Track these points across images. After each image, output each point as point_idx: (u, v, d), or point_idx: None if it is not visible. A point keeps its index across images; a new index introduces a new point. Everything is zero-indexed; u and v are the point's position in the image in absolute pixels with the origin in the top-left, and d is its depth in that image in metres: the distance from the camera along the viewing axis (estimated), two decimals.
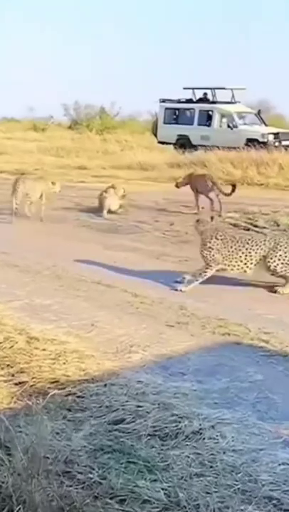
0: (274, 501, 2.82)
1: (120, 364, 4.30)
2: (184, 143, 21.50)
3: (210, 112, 21.54)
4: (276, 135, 19.78)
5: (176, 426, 3.40)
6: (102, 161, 20.08)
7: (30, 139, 28.69)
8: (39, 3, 70.88)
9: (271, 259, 6.14)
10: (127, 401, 3.67)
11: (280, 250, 6.15)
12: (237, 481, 2.93)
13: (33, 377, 3.97)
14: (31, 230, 9.56)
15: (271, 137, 19.55)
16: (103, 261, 7.57)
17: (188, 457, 3.13)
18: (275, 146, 18.37)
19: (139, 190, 13.52)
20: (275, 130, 20.36)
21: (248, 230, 9.12)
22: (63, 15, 68.41)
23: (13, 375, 4.03)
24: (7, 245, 8.20)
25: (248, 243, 6.21)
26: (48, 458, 2.97)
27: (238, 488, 2.87)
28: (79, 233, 9.45)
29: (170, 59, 68.19)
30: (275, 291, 6.19)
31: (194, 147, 20.97)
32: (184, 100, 22.86)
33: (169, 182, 15.60)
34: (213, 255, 6.23)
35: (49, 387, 3.83)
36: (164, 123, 22.81)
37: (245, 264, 6.21)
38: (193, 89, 22.81)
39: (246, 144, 18.62)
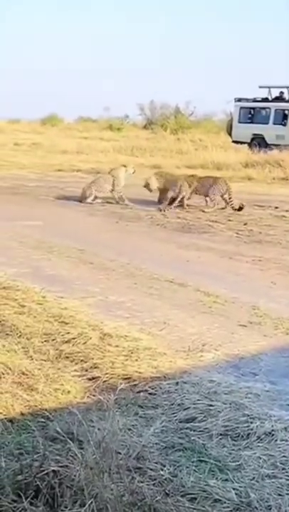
0: None
1: (192, 362, 4.28)
2: (258, 142, 21.23)
3: (286, 111, 21.16)
4: None
5: (248, 426, 3.36)
6: (177, 160, 20.09)
7: (106, 139, 29.04)
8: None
9: None
10: (198, 400, 3.65)
11: None
12: None
13: (105, 373, 4.00)
14: (108, 228, 9.67)
15: None
16: (176, 260, 7.59)
17: (260, 458, 3.09)
18: None
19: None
20: None
21: None
22: (145, 12, 68.60)
23: (86, 371, 4.08)
24: (83, 242, 8.32)
25: None
26: (119, 453, 2.99)
27: None
28: (153, 232, 9.49)
29: (246, 57, 67.41)
30: None
31: (269, 146, 20.66)
32: (259, 99, 22.56)
33: (243, 181, 15.48)
34: None
35: (121, 383, 3.85)
36: (239, 122, 22.60)
37: None
38: (269, 87, 22.47)
39: None
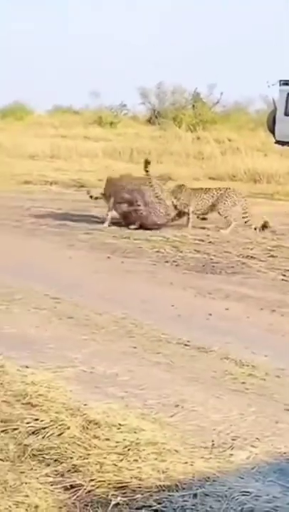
0: None
1: (218, 465, 4.24)
2: None
3: None
4: None
5: None
6: (196, 168, 20.29)
7: (93, 137, 29.37)
8: None
9: None
10: None
11: None
12: None
13: (91, 480, 3.97)
14: (96, 267, 9.69)
15: None
16: (193, 312, 7.58)
17: None
18: None
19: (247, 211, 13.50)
20: None
21: None
22: None
23: (62, 476, 4.05)
24: (59, 288, 8.33)
25: None
26: None
27: None
28: (160, 272, 9.51)
29: None
30: None
31: None
32: None
33: None
34: None
35: (114, 495, 3.82)
36: (286, 114, 22.82)
37: None
38: None
39: None
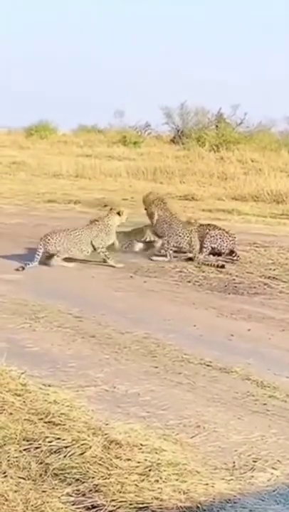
0: None
1: (239, 487, 4.25)
2: None
3: None
4: None
5: None
6: (219, 188, 20.28)
7: (117, 157, 29.44)
8: None
9: None
10: None
11: None
12: None
13: (112, 500, 3.98)
14: (119, 286, 9.71)
15: None
16: (215, 333, 7.58)
17: None
18: None
19: (270, 232, 13.50)
20: None
21: None
22: None
23: (84, 495, 4.06)
24: (82, 306, 8.35)
25: None
26: None
27: None
28: (183, 292, 9.51)
29: None
30: None
31: None
32: None
33: None
34: None
35: None
36: None
37: None
38: None
39: None
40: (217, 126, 35.59)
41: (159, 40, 72.98)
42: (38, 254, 10.63)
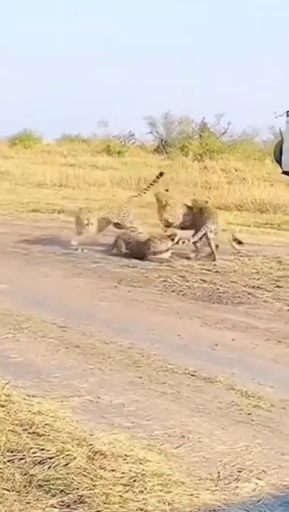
0: None
1: (224, 497, 4.24)
2: None
3: None
4: None
5: None
6: (202, 197, 20.23)
7: (101, 166, 29.45)
8: None
9: None
10: None
11: None
12: None
13: (97, 511, 3.97)
14: (103, 296, 9.70)
15: None
16: (200, 342, 7.58)
17: None
18: None
19: (254, 241, 13.52)
20: None
21: None
22: None
23: (68, 506, 4.05)
24: (66, 316, 8.33)
25: None
26: None
27: None
28: (167, 301, 9.51)
29: None
30: None
31: None
32: None
33: None
34: None
35: None
36: None
37: None
38: None
39: None
40: (201, 135, 35.68)
41: (142, 50, 73.02)
42: None
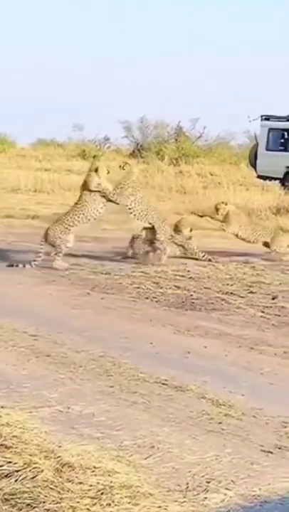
0: None
1: (192, 509, 4.23)
2: None
3: None
4: None
5: None
6: (178, 202, 20.33)
7: (76, 171, 29.39)
8: None
9: None
10: None
11: None
12: None
13: None
14: (76, 303, 9.67)
15: None
16: (172, 350, 7.57)
17: None
18: None
19: (228, 247, 13.56)
20: None
21: None
22: None
23: None
24: (38, 325, 8.30)
25: None
26: None
27: None
28: (140, 309, 9.50)
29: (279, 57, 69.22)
30: None
31: None
32: None
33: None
34: None
35: None
36: (267, 149, 22.99)
37: None
38: None
39: None
40: (176, 139, 35.77)
41: (117, 53, 73.13)
42: None
